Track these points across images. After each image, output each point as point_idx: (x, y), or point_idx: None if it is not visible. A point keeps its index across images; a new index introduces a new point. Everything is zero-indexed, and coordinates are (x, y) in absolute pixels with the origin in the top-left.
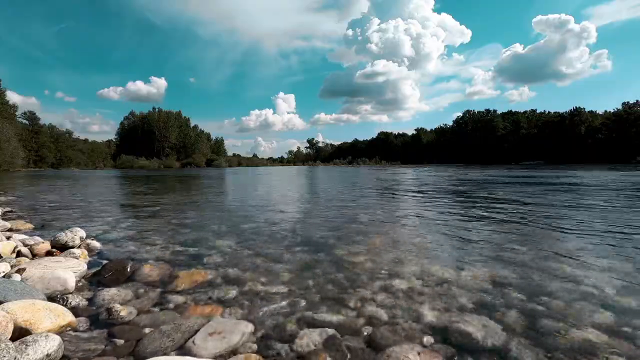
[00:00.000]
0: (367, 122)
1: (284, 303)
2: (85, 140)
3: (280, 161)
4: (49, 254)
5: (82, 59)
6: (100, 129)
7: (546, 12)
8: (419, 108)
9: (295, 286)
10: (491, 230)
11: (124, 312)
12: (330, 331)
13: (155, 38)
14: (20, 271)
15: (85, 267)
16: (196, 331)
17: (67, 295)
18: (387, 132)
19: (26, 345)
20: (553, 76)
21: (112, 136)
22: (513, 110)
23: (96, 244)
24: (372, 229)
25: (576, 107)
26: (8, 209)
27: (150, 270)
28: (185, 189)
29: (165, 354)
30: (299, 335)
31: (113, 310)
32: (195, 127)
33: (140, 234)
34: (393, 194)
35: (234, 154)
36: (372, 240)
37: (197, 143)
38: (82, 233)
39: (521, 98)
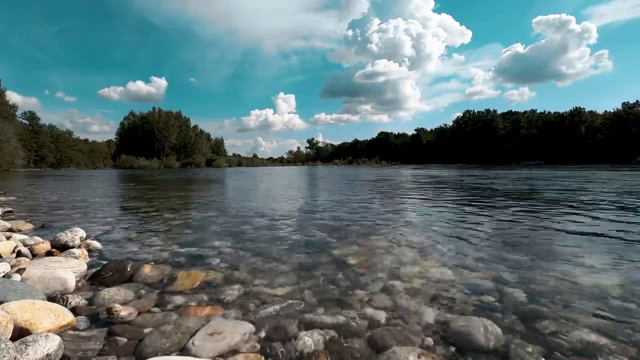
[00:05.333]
0: (367, 122)
1: (284, 304)
2: (86, 140)
3: (280, 161)
4: (49, 254)
5: (82, 59)
6: (101, 129)
7: (546, 13)
8: (419, 108)
9: (295, 287)
10: (491, 231)
11: (124, 312)
12: (331, 332)
13: (155, 38)
14: (20, 271)
15: (85, 267)
16: (196, 331)
17: (67, 295)
18: (387, 132)
19: (26, 345)
20: (553, 76)
21: (112, 136)
22: (513, 110)
23: (96, 244)
24: (373, 230)
25: (576, 107)
26: (8, 209)
27: (150, 271)
28: (186, 189)
29: (165, 354)
30: (299, 336)
31: (113, 310)
32: (195, 127)
33: (140, 234)
34: (393, 194)
35: (234, 154)
36: (372, 241)
37: (197, 143)
38: (82, 233)
39: (521, 98)
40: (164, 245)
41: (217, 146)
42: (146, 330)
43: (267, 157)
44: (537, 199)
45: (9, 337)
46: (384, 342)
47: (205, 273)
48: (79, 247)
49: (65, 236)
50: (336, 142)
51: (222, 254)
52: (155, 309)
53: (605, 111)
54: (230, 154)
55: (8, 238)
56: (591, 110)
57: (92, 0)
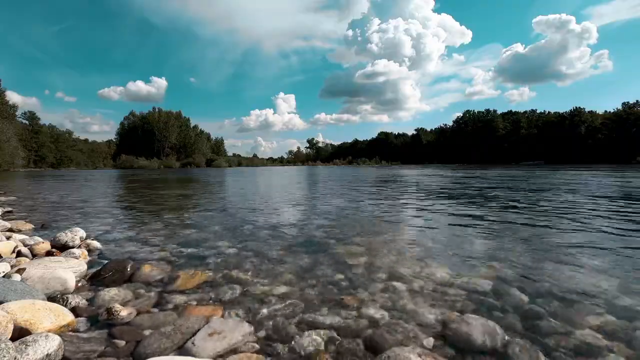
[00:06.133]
0: (367, 122)
1: (284, 304)
2: (86, 140)
3: (280, 161)
4: (49, 254)
5: (82, 59)
6: (101, 129)
7: (546, 13)
8: (419, 108)
9: (295, 287)
10: (491, 231)
11: (124, 312)
12: (331, 332)
13: (155, 38)
14: (20, 271)
15: (85, 267)
16: (196, 332)
17: (67, 295)
18: (387, 132)
19: (26, 345)
20: (553, 76)
21: (112, 136)
22: (513, 110)
23: (96, 244)
24: (373, 230)
25: (576, 107)
26: (8, 209)
27: (150, 271)
28: (186, 189)
29: (165, 355)
30: (299, 336)
31: (113, 310)
32: (195, 127)
33: (140, 234)
34: (393, 194)
35: (234, 154)
36: (372, 241)
37: (197, 143)
38: (82, 233)
39: (521, 98)
40: (163, 245)
41: (217, 146)
42: (146, 331)
43: (267, 157)
44: (536, 199)
45: (9, 337)
46: (383, 342)
47: (205, 273)
48: (79, 247)
49: (65, 236)
50: (336, 142)
51: (222, 254)
52: (155, 309)
53: (605, 111)
54: (230, 154)
55: (8, 238)
56: (591, 110)
57: (92, 0)
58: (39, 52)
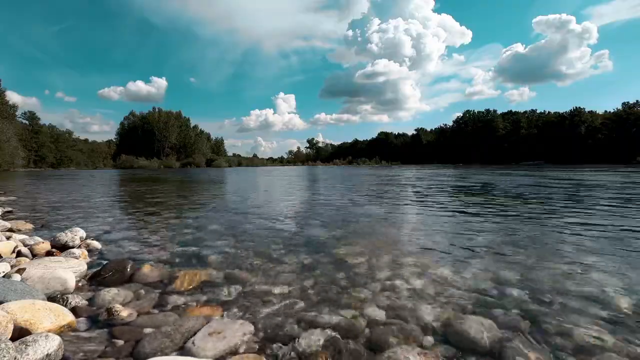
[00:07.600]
0: (367, 122)
1: (284, 304)
2: (86, 140)
3: (280, 161)
4: (49, 254)
5: (82, 59)
6: (101, 129)
7: (546, 13)
8: (419, 108)
9: (295, 287)
10: (491, 231)
11: (124, 312)
12: (331, 332)
13: (155, 38)
14: (20, 271)
15: (85, 267)
16: (196, 332)
17: (67, 296)
18: (387, 132)
19: (26, 345)
20: (553, 76)
21: (112, 136)
22: (513, 110)
23: (96, 244)
24: (373, 230)
25: (576, 107)
26: (8, 209)
27: (150, 271)
28: (185, 189)
29: (165, 354)
30: (299, 336)
31: (113, 310)
32: (195, 127)
33: (140, 234)
34: (393, 194)
35: (234, 154)
36: (372, 241)
37: (197, 143)
38: (82, 233)
39: (521, 98)
40: (163, 245)
41: (217, 146)
42: (146, 331)
43: (267, 157)
44: (535, 200)
45: (9, 337)
46: (383, 341)
47: (206, 273)
48: (79, 247)
49: (65, 236)
50: (336, 142)
51: (222, 254)
52: (155, 309)
53: (605, 111)
54: (230, 154)
55: (8, 238)
56: (591, 110)
57: (92, 0)
58: (39, 52)
